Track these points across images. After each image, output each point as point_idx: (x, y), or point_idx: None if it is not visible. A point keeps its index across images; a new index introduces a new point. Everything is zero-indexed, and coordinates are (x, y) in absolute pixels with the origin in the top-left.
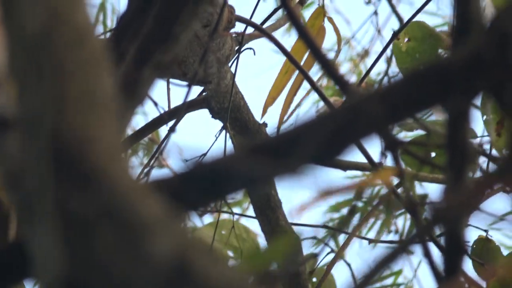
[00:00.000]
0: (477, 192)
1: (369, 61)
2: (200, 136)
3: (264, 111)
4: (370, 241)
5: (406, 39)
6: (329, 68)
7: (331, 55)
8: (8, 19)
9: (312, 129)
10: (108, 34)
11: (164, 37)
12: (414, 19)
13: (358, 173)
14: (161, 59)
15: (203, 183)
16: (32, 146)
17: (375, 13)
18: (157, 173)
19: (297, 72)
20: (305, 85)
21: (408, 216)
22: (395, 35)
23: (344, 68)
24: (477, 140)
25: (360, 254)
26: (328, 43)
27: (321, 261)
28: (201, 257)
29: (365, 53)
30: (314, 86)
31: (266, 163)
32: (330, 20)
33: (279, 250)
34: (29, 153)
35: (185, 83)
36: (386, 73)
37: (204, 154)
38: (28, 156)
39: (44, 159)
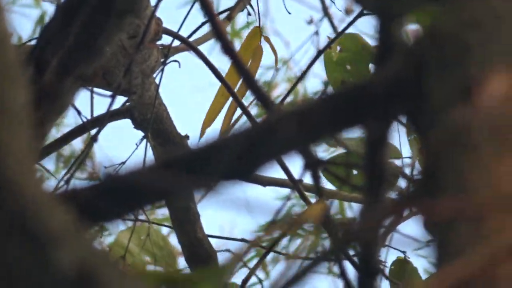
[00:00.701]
0: (392, 214)
1: (308, 82)
2: (122, 146)
3: (203, 133)
4: (287, 256)
5: (338, 49)
6: (252, 84)
7: (269, 75)
8: None
9: (226, 145)
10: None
11: (87, 49)
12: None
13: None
14: (84, 70)
15: (117, 195)
16: None
17: (316, 33)
18: (77, 181)
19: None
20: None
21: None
22: (329, 45)
23: (282, 88)
24: (401, 160)
25: (277, 271)
26: (266, 62)
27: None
28: (106, 268)
29: (304, 73)
30: (241, 106)
31: (180, 178)
32: (267, 39)
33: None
34: None
35: (109, 93)
36: (323, 92)
37: (123, 163)
38: None
39: None
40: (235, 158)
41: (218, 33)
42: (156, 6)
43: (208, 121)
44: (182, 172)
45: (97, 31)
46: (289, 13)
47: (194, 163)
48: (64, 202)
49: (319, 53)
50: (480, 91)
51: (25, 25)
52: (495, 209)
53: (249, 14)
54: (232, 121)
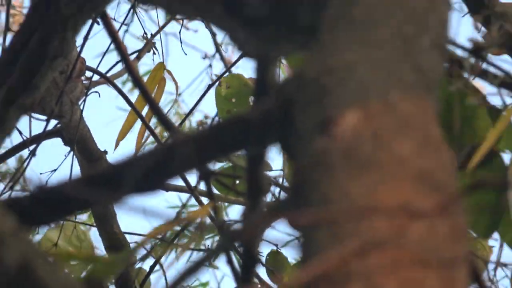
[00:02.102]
0: (267, 217)
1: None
2: (54, 160)
3: (116, 145)
4: (182, 249)
5: (226, 86)
6: (156, 110)
7: (169, 102)
8: None
9: (135, 163)
10: None
11: (27, 84)
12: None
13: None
14: (25, 101)
15: (48, 203)
16: None
17: (210, 66)
18: (16, 191)
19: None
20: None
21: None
22: (215, 81)
23: (181, 111)
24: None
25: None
26: (167, 91)
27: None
28: (40, 261)
29: (196, 104)
30: (148, 127)
31: (99, 190)
32: (169, 72)
33: (114, 261)
34: None
35: (44, 117)
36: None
37: (54, 171)
38: None
39: None
40: (143, 175)
41: (129, 70)
42: (81, 49)
43: (121, 136)
44: (101, 185)
45: (35, 70)
46: (186, 54)
47: (110, 178)
48: (5, 210)
49: (208, 88)
50: (335, 124)
51: None
52: (347, 217)
53: (154, 53)
54: (144, 139)
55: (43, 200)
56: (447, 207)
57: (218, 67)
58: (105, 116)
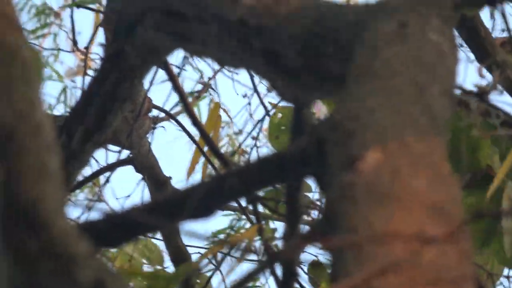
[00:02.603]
0: (304, 239)
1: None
2: (128, 185)
3: (188, 176)
4: (238, 259)
5: (279, 115)
6: (212, 147)
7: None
8: None
9: (192, 191)
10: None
11: (101, 124)
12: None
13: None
14: (99, 138)
15: (121, 226)
16: None
17: (249, 103)
18: (96, 212)
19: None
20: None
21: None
22: (274, 107)
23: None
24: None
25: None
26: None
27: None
28: (114, 281)
29: (239, 132)
30: (207, 159)
31: (162, 215)
32: (225, 111)
33: (180, 273)
34: None
35: (117, 148)
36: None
37: (127, 197)
38: None
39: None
40: (199, 202)
41: (188, 111)
42: (148, 90)
43: (191, 168)
44: (166, 210)
45: (107, 111)
46: (237, 94)
47: (173, 205)
48: (81, 232)
49: (262, 118)
50: (359, 162)
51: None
52: (369, 243)
53: (210, 94)
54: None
55: (117, 223)
56: (455, 234)
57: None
58: (169, 146)
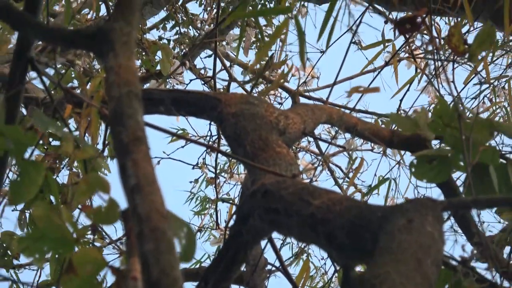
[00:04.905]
0: None
1: None
2: None
3: None
4: None
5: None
6: None
7: None
8: None
9: None
10: None
11: (227, 275)
12: None
13: None
14: (226, 284)
15: None
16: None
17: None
18: None
19: None
20: None
21: None
22: None
23: None
24: None
25: None
26: None
27: None
28: None
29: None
30: None
31: None
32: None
33: None
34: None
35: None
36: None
37: None
38: None
39: None
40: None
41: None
42: (262, 252)
43: None
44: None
45: (230, 270)
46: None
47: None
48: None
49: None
50: None
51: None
52: None
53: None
54: None
55: None
56: None
57: None
58: None
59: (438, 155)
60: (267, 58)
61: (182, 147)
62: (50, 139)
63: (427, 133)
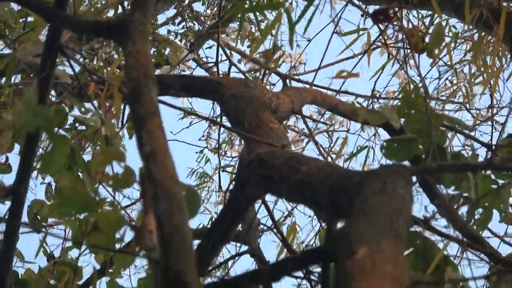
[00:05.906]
0: None
1: None
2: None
3: None
4: None
5: None
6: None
7: None
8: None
9: None
10: None
11: (225, 235)
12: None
13: None
14: (225, 242)
15: None
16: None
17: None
18: None
19: None
20: None
21: None
22: None
23: None
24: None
25: None
26: None
27: None
28: None
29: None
30: None
31: None
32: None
33: None
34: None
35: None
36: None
37: None
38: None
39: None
40: None
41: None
42: (256, 213)
43: None
44: None
45: (229, 229)
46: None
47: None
48: None
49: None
50: (354, 254)
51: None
52: None
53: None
54: None
55: None
56: None
57: None
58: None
59: (403, 140)
60: (270, 49)
61: (187, 127)
62: (76, 124)
63: (393, 123)
